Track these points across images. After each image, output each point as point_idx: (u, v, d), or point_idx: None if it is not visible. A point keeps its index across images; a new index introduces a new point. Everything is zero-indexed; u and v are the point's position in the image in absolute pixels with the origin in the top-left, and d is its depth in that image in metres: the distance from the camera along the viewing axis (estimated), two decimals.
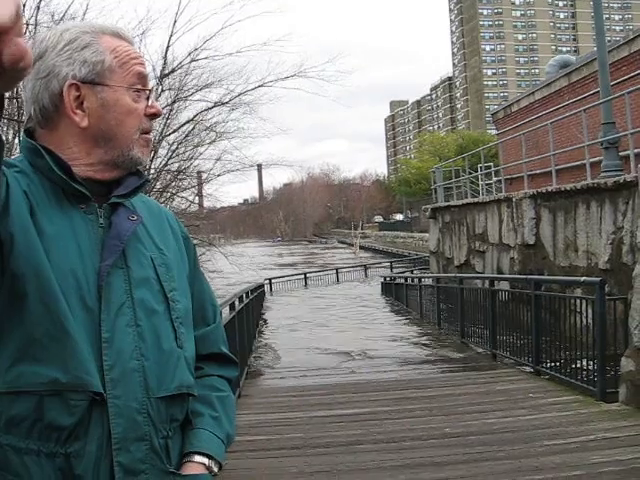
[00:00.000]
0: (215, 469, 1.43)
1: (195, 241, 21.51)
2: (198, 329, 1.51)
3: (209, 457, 1.41)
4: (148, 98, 1.40)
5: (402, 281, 22.03)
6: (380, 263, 40.71)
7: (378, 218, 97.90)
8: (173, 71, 18.78)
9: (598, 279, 6.88)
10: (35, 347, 1.21)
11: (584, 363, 7.01)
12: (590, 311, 6.83)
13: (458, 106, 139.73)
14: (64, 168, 1.31)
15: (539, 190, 12.34)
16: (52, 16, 13.91)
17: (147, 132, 1.40)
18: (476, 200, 16.87)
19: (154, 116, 1.41)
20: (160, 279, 1.38)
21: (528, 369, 8.27)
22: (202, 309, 1.55)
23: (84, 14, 14.68)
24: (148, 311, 1.33)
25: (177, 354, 1.36)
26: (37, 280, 1.21)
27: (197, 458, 1.40)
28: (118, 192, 1.37)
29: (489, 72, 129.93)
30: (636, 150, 10.16)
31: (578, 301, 7.45)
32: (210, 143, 20.27)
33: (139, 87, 1.38)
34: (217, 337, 1.58)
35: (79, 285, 1.26)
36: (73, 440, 1.22)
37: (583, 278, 7.94)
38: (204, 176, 21.66)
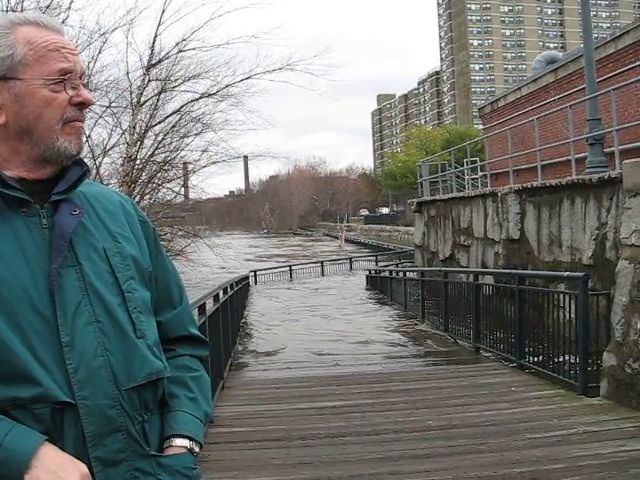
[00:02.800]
0: (196, 449, 1.43)
1: (180, 232, 21.48)
2: (165, 313, 1.51)
3: (189, 439, 1.41)
4: (76, 87, 1.35)
5: (387, 274, 22.08)
6: (365, 256, 40.76)
7: (364, 211, 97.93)
8: (160, 61, 18.69)
9: (581, 274, 6.92)
10: None
11: (567, 358, 7.06)
12: (573, 306, 6.86)
13: (445, 100, 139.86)
14: None
15: (524, 185, 12.39)
16: (38, 2, 13.79)
17: (76, 120, 1.36)
18: (462, 194, 16.92)
19: (82, 105, 1.36)
20: (114, 270, 1.36)
21: (511, 363, 8.31)
22: (167, 291, 1.54)
23: (71, 2, 14.59)
24: (106, 305, 1.31)
25: (140, 343, 1.35)
26: None
27: (178, 441, 1.40)
28: (58, 189, 1.34)
29: (476, 67, 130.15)
30: (621, 147, 10.21)
31: (561, 296, 7.48)
32: (197, 134, 20.21)
33: (57, 78, 1.32)
34: (185, 319, 1.58)
35: (29, 296, 1.24)
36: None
37: (566, 273, 8.00)
38: (190, 167, 21.58)
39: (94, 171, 17.91)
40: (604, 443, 4.75)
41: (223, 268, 22.12)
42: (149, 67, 18.38)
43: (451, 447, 4.88)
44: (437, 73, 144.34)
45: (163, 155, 20.13)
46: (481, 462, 4.49)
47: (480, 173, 21.78)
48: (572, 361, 6.89)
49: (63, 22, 15.27)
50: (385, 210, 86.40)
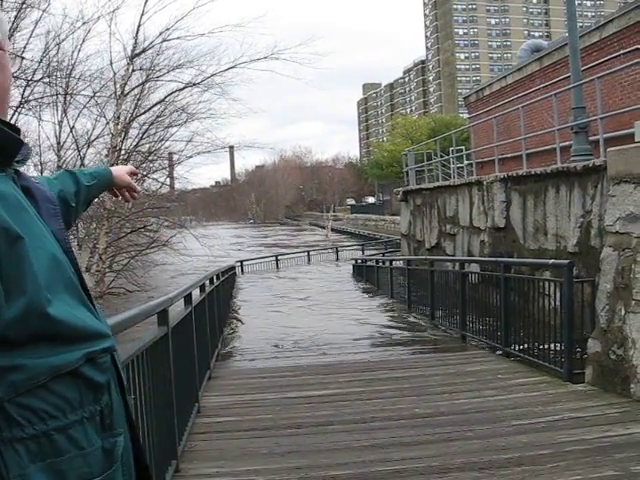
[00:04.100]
0: None
1: (166, 223, 21.44)
2: None
3: None
4: None
5: (373, 263, 22.10)
6: (352, 245, 40.80)
7: (350, 201, 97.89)
8: (144, 51, 18.61)
9: (566, 262, 6.96)
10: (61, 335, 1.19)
11: (552, 345, 7.10)
12: (558, 293, 6.91)
13: (431, 89, 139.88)
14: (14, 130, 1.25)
15: (510, 174, 12.43)
16: None
17: None
18: (447, 183, 16.95)
19: None
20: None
21: (497, 351, 8.36)
22: None
23: None
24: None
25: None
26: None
27: None
28: (18, 157, 1.28)
29: (462, 56, 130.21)
30: (605, 135, 10.26)
31: (547, 283, 7.52)
32: (182, 124, 20.20)
33: (8, 50, 1.31)
34: None
35: (64, 261, 1.23)
36: (105, 395, 1.26)
37: (552, 261, 8.03)
38: (175, 157, 21.54)
39: (78, 162, 17.81)
40: (589, 429, 4.79)
41: (209, 258, 22.06)
42: (133, 57, 18.28)
43: (438, 434, 4.90)
44: (423, 62, 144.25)
45: (148, 145, 20.09)
46: (468, 449, 4.52)
47: (466, 162, 21.80)
48: (557, 348, 6.94)
49: (45, 10, 15.11)
50: (371, 199, 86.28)
